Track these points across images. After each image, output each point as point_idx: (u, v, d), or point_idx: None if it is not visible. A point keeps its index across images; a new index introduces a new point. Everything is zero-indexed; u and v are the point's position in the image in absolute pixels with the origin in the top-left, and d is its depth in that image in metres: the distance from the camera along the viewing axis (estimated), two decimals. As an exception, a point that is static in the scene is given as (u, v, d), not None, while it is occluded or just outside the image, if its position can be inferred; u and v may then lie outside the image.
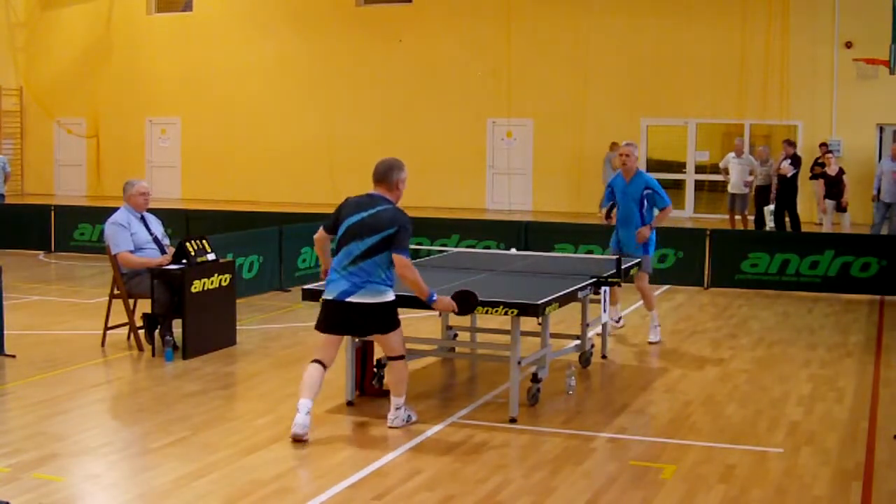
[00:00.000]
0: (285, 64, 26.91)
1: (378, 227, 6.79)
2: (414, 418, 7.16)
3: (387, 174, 6.96)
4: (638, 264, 9.79)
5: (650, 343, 10.04)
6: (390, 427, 6.99)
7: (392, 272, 6.88)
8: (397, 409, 7.05)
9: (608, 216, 10.27)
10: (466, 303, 6.97)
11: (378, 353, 8.18)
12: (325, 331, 7.01)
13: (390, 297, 6.89)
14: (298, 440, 6.68)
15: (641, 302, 10.52)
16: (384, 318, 6.91)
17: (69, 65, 28.86)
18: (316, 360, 6.98)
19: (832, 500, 5.82)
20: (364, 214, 6.86)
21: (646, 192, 9.93)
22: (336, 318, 6.94)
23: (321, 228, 7.14)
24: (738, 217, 20.05)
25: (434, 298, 6.91)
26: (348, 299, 6.83)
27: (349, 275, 6.84)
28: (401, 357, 7.02)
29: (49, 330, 10.53)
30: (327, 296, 6.94)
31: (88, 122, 29.12)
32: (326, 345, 7.02)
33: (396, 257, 6.76)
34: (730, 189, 19.98)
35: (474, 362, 9.05)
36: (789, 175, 19.38)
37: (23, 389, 8.08)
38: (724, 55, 23.14)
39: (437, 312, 8.53)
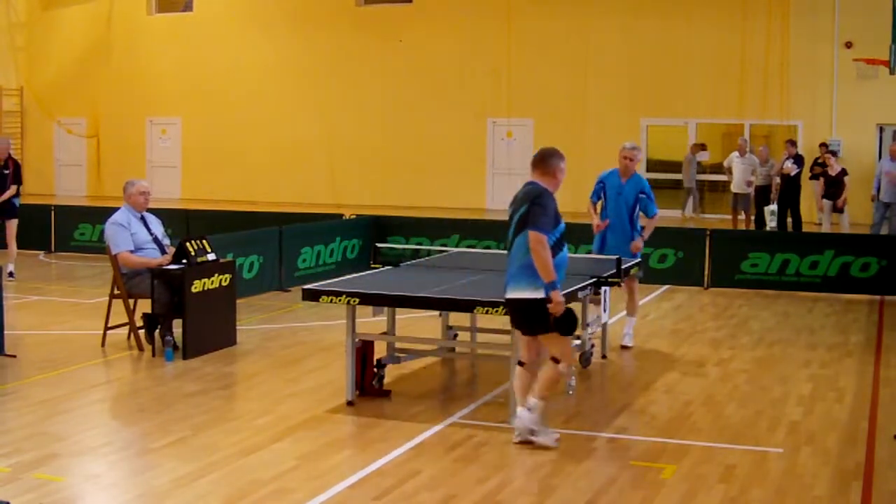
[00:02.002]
0: (285, 64, 26.90)
1: (516, 208, 6.68)
2: (541, 439, 6.61)
3: (543, 160, 6.79)
4: (638, 264, 9.79)
5: (623, 347, 9.86)
6: (513, 426, 6.72)
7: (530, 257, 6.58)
8: (528, 409, 6.62)
9: (601, 219, 9.85)
10: (570, 320, 6.63)
11: (378, 352, 8.19)
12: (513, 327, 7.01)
13: (536, 292, 6.50)
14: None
15: (641, 302, 10.51)
16: (530, 316, 6.59)
17: (69, 65, 28.84)
18: (518, 363, 6.88)
19: (832, 500, 5.82)
20: (515, 204, 6.77)
21: (640, 195, 9.80)
22: (509, 315, 6.85)
23: None
24: (740, 217, 20.07)
25: (557, 286, 6.48)
26: (505, 296, 6.76)
27: (506, 268, 6.78)
28: (555, 360, 6.67)
29: (49, 330, 10.53)
30: None
31: (88, 122, 29.11)
32: (521, 344, 6.91)
33: (530, 233, 6.47)
34: (732, 188, 20.01)
35: (474, 362, 9.05)
36: (793, 174, 19.43)
37: (23, 389, 8.08)
38: (724, 55, 23.13)
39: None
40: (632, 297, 9.94)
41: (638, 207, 9.79)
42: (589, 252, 13.25)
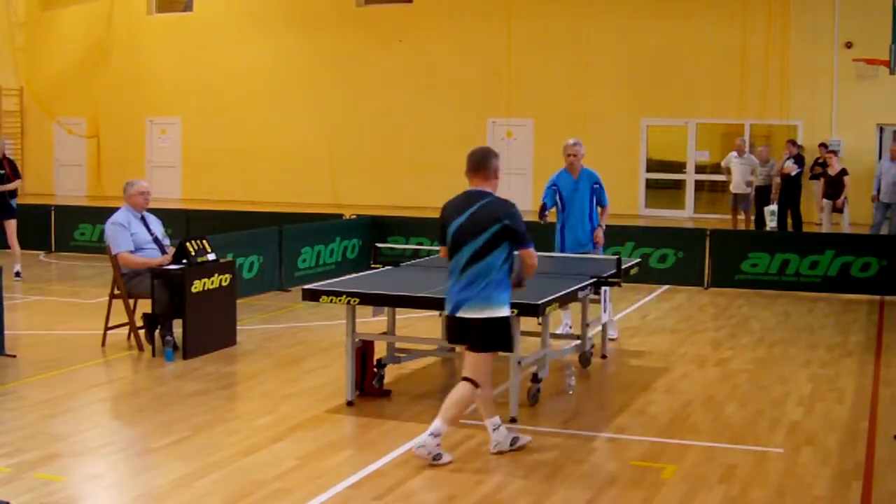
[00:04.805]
0: (285, 64, 26.91)
1: (482, 225, 6.29)
2: (444, 459, 6.29)
3: (483, 161, 6.49)
4: (638, 264, 9.82)
5: (609, 339, 9.81)
6: (414, 453, 6.29)
7: (503, 274, 6.35)
8: (433, 435, 6.26)
9: (543, 216, 9.71)
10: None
11: (378, 352, 8.19)
12: (451, 343, 6.75)
13: (499, 311, 6.35)
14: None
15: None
16: (482, 334, 6.36)
17: (69, 65, 28.84)
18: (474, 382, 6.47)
19: (832, 500, 5.82)
20: (465, 216, 6.37)
21: (595, 186, 9.93)
22: (453, 333, 6.55)
23: (440, 248, 6.64)
24: (740, 217, 20.06)
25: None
26: (458, 314, 6.40)
27: (459, 285, 6.38)
28: (474, 383, 6.37)
29: (49, 330, 10.53)
30: (445, 310, 6.59)
31: (88, 122, 29.11)
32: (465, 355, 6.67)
33: (523, 252, 6.38)
34: (732, 189, 20.01)
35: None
36: (793, 174, 19.44)
37: (23, 389, 8.08)
38: (724, 55, 23.13)
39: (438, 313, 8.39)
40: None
41: (594, 198, 9.89)
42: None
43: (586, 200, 9.92)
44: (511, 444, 6.56)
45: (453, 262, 6.45)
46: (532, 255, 6.44)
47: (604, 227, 10.00)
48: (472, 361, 6.44)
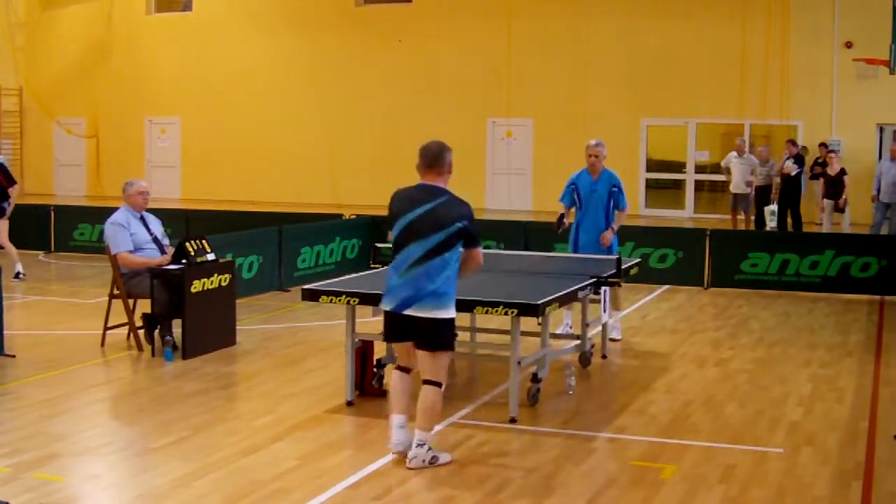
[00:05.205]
0: (285, 64, 26.91)
1: (441, 223, 6.18)
2: (441, 460, 6.27)
3: (439, 157, 6.33)
4: (638, 264, 9.81)
5: (611, 340, 9.89)
6: (408, 467, 6.19)
7: (455, 272, 6.27)
8: (420, 445, 6.23)
9: (560, 223, 9.86)
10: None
11: (378, 352, 8.18)
12: (390, 341, 6.58)
13: (448, 312, 6.26)
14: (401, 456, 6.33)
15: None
16: (435, 335, 6.26)
17: (69, 65, 28.85)
18: (399, 368, 6.53)
19: (832, 500, 5.82)
20: (422, 210, 6.24)
21: (613, 189, 9.91)
22: (397, 330, 6.41)
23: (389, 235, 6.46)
24: (740, 217, 20.07)
25: None
26: (406, 312, 6.25)
27: (409, 281, 6.23)
28: (437, 384, 6.31)
29: (49, 330, 10.52)
30: (385, 306, 6.38)
31: (88, 122, 29.11)
32: (401, 352, 6.54)
33: (474, 251, 6.33)
34: (732, 189, 20.01)
35: (474, 362, 9.04)
36: (793, 174, 19.44)
37: (23, 389, 8.08)
38: (724, 55, 23.14)
39: None
40: (614, 293, 9.90)
41: (612, 202, 9.86)
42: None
43: (603, 202, 9.87)
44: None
45: (403, 255, 6.28)
46: (480, 254, 6.45)
47: (615, 230, 9.94)
48: (429, 363, 6.29)
